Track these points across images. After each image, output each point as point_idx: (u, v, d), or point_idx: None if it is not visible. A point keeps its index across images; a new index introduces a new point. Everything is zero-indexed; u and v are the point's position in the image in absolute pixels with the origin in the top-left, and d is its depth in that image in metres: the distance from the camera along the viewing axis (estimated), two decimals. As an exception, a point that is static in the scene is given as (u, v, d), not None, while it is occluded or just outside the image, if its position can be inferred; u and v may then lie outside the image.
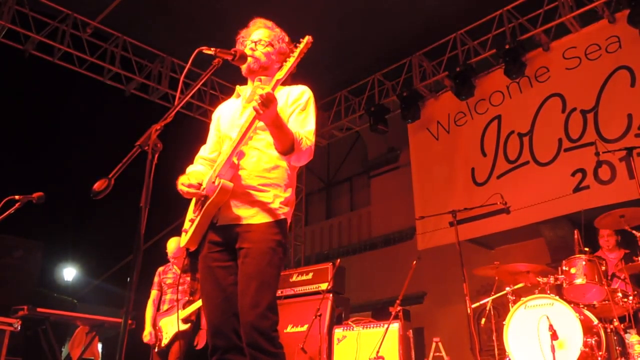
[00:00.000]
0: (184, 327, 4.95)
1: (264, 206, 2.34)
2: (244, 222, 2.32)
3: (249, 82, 2.62)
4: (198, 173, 2.53)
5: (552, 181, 6.81)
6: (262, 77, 2.53)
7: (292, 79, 2.52)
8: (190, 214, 2.52)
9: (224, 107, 2.71)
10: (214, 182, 2.35)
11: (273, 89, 2.14)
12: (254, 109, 2.11)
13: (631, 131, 6.26)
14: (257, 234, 2.29)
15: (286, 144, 2.25)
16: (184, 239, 2.46)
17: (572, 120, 6.83)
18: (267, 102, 2.07)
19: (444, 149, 8.24)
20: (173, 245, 5.26)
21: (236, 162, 2.37)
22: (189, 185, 2.40)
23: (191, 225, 2.42)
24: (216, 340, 2.27)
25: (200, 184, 2.42)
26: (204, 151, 2.69)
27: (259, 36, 2.58)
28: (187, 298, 5.11)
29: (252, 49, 2.52)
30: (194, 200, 2.55)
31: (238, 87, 2.65)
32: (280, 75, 2.19)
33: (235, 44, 2.62)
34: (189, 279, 5.20)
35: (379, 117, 8.52)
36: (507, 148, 7.46)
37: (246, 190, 2.35)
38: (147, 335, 5.04)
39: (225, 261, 2.36)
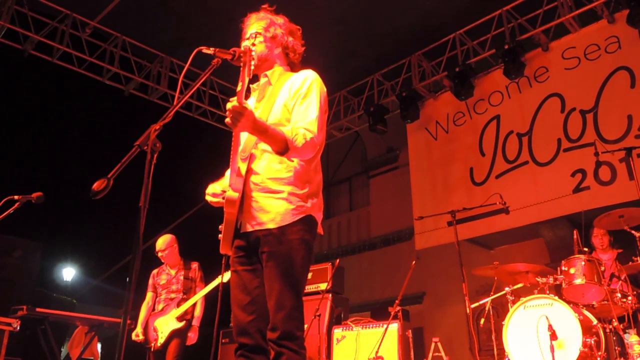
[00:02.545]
0: (179, 325, 4.95)
1: (282, 207, 2.32)
2: (265, 226, 2.31)
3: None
4: (218, 183, 2.55)
5: (552, 181, 6.81)
6: (268, 72, 2.51)
7: (302, 64, 2.52)
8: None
9: None
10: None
11: (239, 100, 2.11)
12: (227, 123, 2.11)
13: (631, 132, 6.25)
14: (280, 236, 2.29)
15: (279, 145, 2.22)
16: (220, 246, 2.49)
17: (571, 120, 6.83)
18: (236, 115, 2.07)
19: (442, 149, 8.24)
20: (160, 241, 5.29)
21: (244, 169, 2.36)
22: (213, 195, 2.42)
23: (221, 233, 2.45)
24: (242, 339, 2.31)
25: (225, 191, 2.42)
26: None
27: (251, 29, 2.55)
28: (181, 296, 5.11)
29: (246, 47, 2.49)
30: None
31: (251, 86, 2.61)
32: (238, 88, 2.16)
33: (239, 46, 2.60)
34: (182, 277, 5.21)
35: (378, 117, 8.51)
36: (505, 148, 7.46)
37: (262, 193, 2.34)
38: (134, 335, 5.07)
39: (250, 264, 2.38)
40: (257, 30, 2.53)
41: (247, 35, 2.54)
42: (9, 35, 7.08)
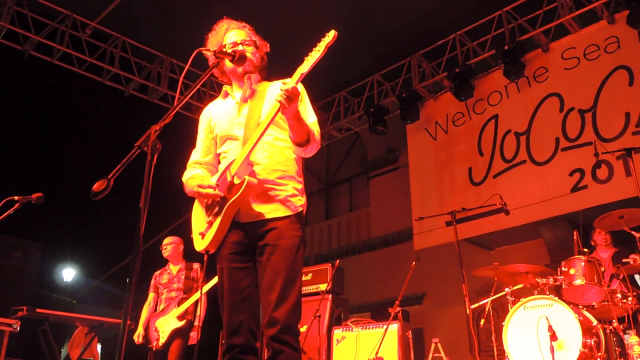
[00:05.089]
0: (180, 324, 4.95)
1: (283, 200, 2.36)
2: (268, 216, 2.32)
3: (234, 84, 2.60)
4: (204, 177, 2.50)
5: (550, 181, 6.81)
6: (252, 75, 2.54)
7: (268, 74, 2.58)
8: (199, 217, 2.49)
9: (214, 108, 2.66)
10: (232, 182, 2.31)
11: (297, 82, 2.19)
12: (281, 103, 2.15)
13: (629, 129, 6.26)
14: (282, 231, 2.30)
15: (304, 136, 2.33)
16: (201, 243, 2.41)
17: (569, 119, 6.83)
18: (294, 96, 2.15)
19: (441, 150, 8.24)
20: (167, 237, 5.41)
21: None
22: (209, 187, 2.36)
23: (209, 228, 2.38)
24: (232, 340, 2.28)
25: (217, 186, 2.39)
26: (197, 155, 2.64)
27: (240, 37, 2.55)
28: (181, 295, 5.11)
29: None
30: (197, 204, 2.52)
31: (226, 87, 2.62)
32: (305, 69, 2.21)
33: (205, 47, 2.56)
34: (183, 277, 5.22)
35: (378, 117, 8.51)
36: (503, 147, 7.46)
37: (264, 185, 2.35)
38: (135, 337, 5.06)
39: (244, 262, 2.35)
40: (249, 39, 2.57)
41: (238, 40, 2.53)
42: (9, 36, 7.08)
